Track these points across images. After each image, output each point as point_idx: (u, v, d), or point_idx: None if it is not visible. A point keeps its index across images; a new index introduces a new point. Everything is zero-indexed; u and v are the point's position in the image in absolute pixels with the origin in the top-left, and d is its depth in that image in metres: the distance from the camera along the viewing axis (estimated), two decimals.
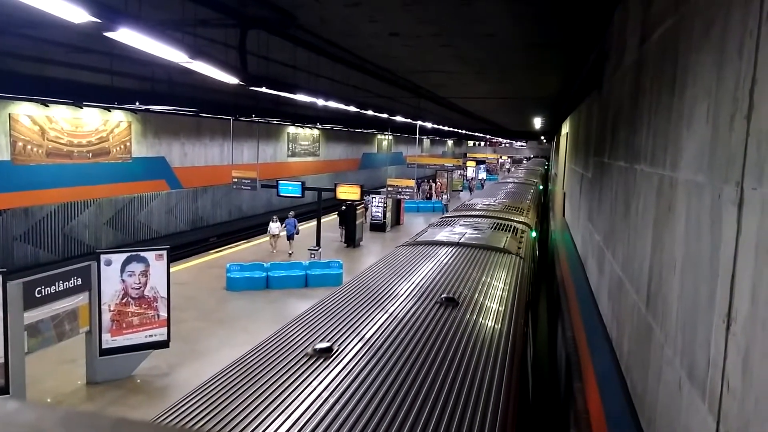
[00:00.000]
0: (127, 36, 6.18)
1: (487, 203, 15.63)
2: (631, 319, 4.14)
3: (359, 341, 4.12)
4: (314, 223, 21.68)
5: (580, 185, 10.44)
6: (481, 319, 5.03)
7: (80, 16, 5.42)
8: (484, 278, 6.55)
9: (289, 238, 20.44)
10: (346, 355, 3.85)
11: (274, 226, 20.78)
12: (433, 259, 7.37)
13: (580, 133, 12.12)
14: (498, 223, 11.24)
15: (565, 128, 20.49)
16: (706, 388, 2.26)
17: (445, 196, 35.81)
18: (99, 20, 5.69)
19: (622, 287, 4.62)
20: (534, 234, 12.36)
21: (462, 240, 9.11)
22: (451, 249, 8.18)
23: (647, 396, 3.40)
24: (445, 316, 4.90)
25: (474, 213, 12.95)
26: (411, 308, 5.05)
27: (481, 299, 5.63)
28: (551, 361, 12.69)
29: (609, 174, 6.17)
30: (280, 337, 4.31)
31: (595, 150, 8.13)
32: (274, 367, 3.64)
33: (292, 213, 21.35)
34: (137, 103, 19.16)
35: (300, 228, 21.28)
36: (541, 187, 25.67)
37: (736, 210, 2.04)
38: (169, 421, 3.11)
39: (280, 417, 2.96)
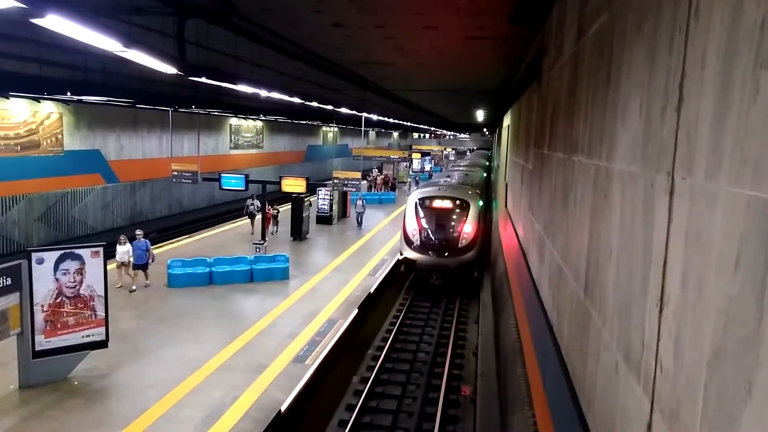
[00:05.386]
0: (56, 23, 5.88)
1: (463, 164, 40.40)
2: (570, 306, 4.28)
3: (460, 169, 32.38)
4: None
5: (521, 176, 10.68)
6: (473, 173, 29.55)
7: (4, 0, 5.12)
8: (473, 171, 31.01)
9: (140, 267, 14.39)
10: (454, 172, 29.78)
11: (122, 251, 14.06)
12: (458, 169, 32.62)
13: (521, 125, 12.39)
14: (473, 165, 36.99)
15: (507, 120, 20.91)
16: (641, 370, 2.35)
17: (359, 202, 25.55)
18: (25, 5, 5.39)
19: (562, 275, 4.76)
20: (485, 174, 34.13)
21: (462, 168, 33.49)
22: (461, 169, 32.98)
23: (586, 379, 3.52)
24: (466, 174, 27.38)
25: (462, 164, 39.86)
26: (460, 172, 29.01)
27: (472, 172, 30.22)
28: (496, 349, 12.98)
29: (548, 165, 6.33)
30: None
31: (535, 142, 8.34)
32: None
33: (140, 233, 14.75)
34: (69, 94, 18.31)
35: (155, 252, 15.20)
36: (486, 163, 45.46)
37: (668, 199, 2.13)
38: None
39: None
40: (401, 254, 18.48)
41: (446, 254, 17.94)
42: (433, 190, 19.83)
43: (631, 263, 2.62)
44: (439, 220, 18.54)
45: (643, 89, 2.61)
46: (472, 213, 18.55)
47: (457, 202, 18.94)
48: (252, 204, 22.81)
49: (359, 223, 25.35)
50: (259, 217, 21.42)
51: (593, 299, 3.43)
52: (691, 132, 1.95)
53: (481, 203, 19.72)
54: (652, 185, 2.35)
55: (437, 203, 18.84)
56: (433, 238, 18.16)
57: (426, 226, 18.35)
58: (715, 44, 1.78)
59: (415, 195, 19.50)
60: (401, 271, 19.24)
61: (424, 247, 17.99)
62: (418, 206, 18.75)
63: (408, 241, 18.20)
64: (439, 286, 18.17)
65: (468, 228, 18.19)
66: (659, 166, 2.27)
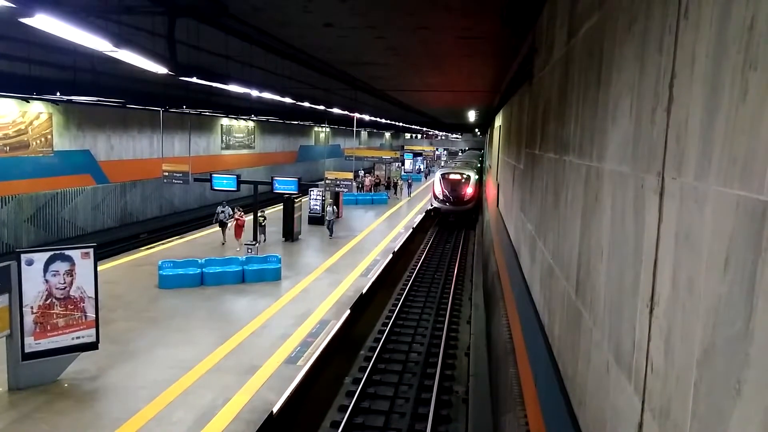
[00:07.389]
0: (45, 22, 5.84)
1: (461, 159, 55.04)
2: (561, 305, 4.29)
3: (460, 157, 62.03)
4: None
5: (513, 176, 10.71)
6: (471, 162, 45.73)
7: None
8: (469, 160, 49.77)
9: None
10: (458, 161, 48.77)
11: None
12: (461, 161, 49.17)
13: (512, 125, 12.42)
14: (470, 157, 57.24)
15: (499, 121, 20.97)
16: (632, 370, 2.36)
17: (329, 209, 23.01)
18: (13, 5, 5.35)
19: (553, 274, 4.77)
20: (478, 164, 48.65)
21: (462, 160, 50.32)
22: (462, 160, 49.33)
23: (577, 378, 3.53)
24: (467, 163, 43.62)
25: (460, 159, 54.52)
26: (461, 162, 45.90)
27: (470, 162, 45.62)
28: (488, 349, 13.01)
29: (540, 165, 6.35)
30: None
31: (526, 142, 8.36)
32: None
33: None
34: (58, 94, 18.17)
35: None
36: (479, 159, 57.88)
37: (658, 199, 2.14)
38: None
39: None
40: (431, 205, 32.97)
41: (457, 204, 32.46)
42: (449, 169, 36.47)
43: (622, 263, 2.63)
44: (453, 185, 32.78)
45: (633, 90, 2.62)
46: (472, 182, 33.11)
47: (464, 175, 33.31)
48: (222, 211, 20.61)
49: (331, 232, 22.57)
50: (231, 225, 19.92)
51: (584, 299, 3.44)
52: (680, 132, 1.96)
53: (476, 177, 34.55)
54: (642, 185, 2.36)
55: (452, 176, 33.44)
56: (449, 195, 32.47)
57: (445, 188, 32.65)
58: (705, 45, 1.79)
59: (439, 172, 35.08)
60: (431, 215, 32.62)
61: (444, 200, 32.50)
62: (441, 178, 33.27)
63: (436, 197, 32.74)
64: (452, 222, 32.55)
65: (469, 190, 32.79)
66: (649, 166, 2.28)
